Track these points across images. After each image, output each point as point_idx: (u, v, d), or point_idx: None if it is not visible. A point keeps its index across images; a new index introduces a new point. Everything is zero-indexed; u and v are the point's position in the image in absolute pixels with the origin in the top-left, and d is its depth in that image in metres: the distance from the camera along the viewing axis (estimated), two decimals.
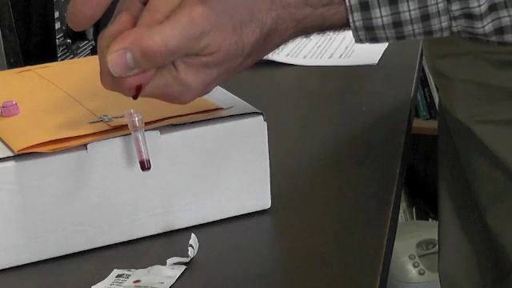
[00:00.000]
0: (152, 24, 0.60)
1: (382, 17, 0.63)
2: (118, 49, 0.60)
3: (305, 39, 1.29)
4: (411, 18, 0.63)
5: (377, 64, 1.19)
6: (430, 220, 2.46)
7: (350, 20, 0.64)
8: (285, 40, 0.66)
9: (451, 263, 1.07)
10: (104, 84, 0.63)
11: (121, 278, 0.67)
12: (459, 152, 0.98)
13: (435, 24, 0.64)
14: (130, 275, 0.68)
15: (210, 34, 0.61)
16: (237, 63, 0.64)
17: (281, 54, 1.23)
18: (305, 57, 1.24)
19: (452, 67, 0.92)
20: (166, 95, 0.64)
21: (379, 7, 0.63)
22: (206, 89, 0.65)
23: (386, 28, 0.64)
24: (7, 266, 0.70)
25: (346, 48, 1.27)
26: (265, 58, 1.21)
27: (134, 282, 0.67)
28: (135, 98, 0.63)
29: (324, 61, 1.23)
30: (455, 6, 0.63)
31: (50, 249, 0.71)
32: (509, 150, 0.89)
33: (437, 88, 1.03)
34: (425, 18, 0.63)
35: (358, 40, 0.65)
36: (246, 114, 0.75)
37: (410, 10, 0.63)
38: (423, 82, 2.34)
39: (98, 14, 0.62)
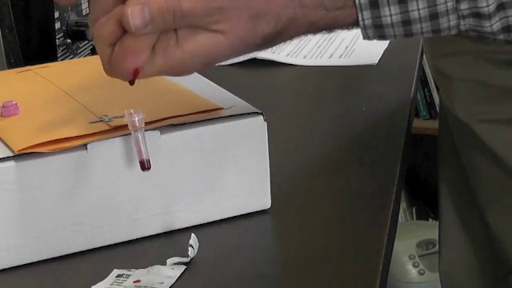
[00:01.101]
0: None
1: (391, 15, 0.64)
2: (137, 3, 0.61)
3: (305, 39, 1.30)
4: (420, 17, 0.64)
5: (377, 64, 1.19)
6: (430, 220, 2.46)
7: (360, 18, 0.64)
8: (294, 38, 0.67)
9: (452, 263, 1.07)
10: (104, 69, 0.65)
11: (121, 278, 0.67)
12: (460, 151, 0.98)
13: (443, 23, 0.64)
14: (129, 275, 0.68)
15: (226, 12, 0.62)
16: (244, 51, 0.65)
17: (281, 54, 1.23)
18: (305, 57, 1.24)
19: (453, 66, 0.93)
20: (170, 74, 0.66)
21: (388, 6, 0.64)
22: (208, 67, 0.66)
23: (394, 26, 0.64)
24: (7, 266, 0.70)
25: (346, 48, 1.27)
26: (265, 57, 1.22)
27: (134, 282, 0.67)
28: (132, 83, 0.65)
29: (324, 61, 1.23)
30: (464, 6, 0.64)
31: (50, 249, 0.71)
32: (509, 149, 0.89)
33: (437, 87, 1.03)
34: (433, 16, 0.64)
35: (366, 37, 0.66)
36: (246, 113, 0.75)
37: (419, 9, 0.64)
38: (423, 82, 2.34)
39: None
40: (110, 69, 0.64)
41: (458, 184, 1.02)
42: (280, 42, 0.66)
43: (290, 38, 0.66)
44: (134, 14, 0.61)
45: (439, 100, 1.05)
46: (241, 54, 0.65)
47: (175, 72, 0.65)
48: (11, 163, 0.68)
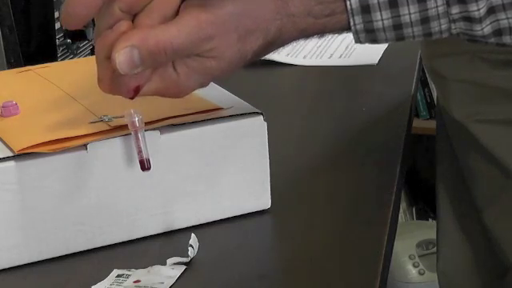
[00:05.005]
0: (150, 24, 0.62)
1: (382, 20, 0.64)
2: (124, 46, 0.61)
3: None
4: (411, 21, 0.64)
5: (377, 64, 1.19)
6: (430, 220, 2.46)
7: (351, 23, 0.65)
8: (285, 44, 0.67)
9: (450, 262, 1.07)
10: (102, 88, 0.65)
11: (121, 278, 0.67)
12: (456, 151, 0.99)
13: (435, 26, 0.65)
14: (130, 275, 0.68)
15: (215, 39, 0.62)
16: (237, 68, 0.65)
17: (281, 54, 1.23)
18: (305, 57, 1.24)
19: (449, 67, 0.93)
20: (164, 95, 0.66)
21: (380, 11, 0.64)
22: (203, 87, 0.66)
23: (386, 30, 0.65)
24: (7, 266, 0.70)
25: (346, 48, 1.27)
26: (265, 57, 1.21)
27: (134, 281, 0.67)
28: (132, 98, 0.65)
29: (324, 61, 1.23)
30: (455, 10, 0.64)
31: (50, 249, 0.71)
32: (505, 149, 0.89)
33: None
34: (425, 20, 0.64)
35: (358, 41, 0.67)
36: (245, 113, 0.75)
37: (410, 14, 0.64)
38: (423, 82, 2.34)
39: (92, 14, 0.62)
40: (110, 83, 0.64)
41: (455, 184, 1.02)
42: (272, 51, 0.67)
43: (282, 45, 0.67)
44: (121, 60, 0.61)
45: (436, 100, 1.06)
46: (234, 71, 0.66)
47: (171, 92, 0.66)
48: (11, 163, 0.68)
